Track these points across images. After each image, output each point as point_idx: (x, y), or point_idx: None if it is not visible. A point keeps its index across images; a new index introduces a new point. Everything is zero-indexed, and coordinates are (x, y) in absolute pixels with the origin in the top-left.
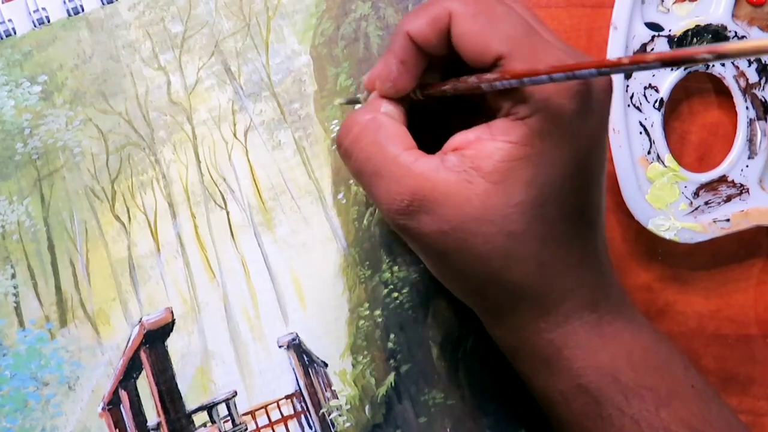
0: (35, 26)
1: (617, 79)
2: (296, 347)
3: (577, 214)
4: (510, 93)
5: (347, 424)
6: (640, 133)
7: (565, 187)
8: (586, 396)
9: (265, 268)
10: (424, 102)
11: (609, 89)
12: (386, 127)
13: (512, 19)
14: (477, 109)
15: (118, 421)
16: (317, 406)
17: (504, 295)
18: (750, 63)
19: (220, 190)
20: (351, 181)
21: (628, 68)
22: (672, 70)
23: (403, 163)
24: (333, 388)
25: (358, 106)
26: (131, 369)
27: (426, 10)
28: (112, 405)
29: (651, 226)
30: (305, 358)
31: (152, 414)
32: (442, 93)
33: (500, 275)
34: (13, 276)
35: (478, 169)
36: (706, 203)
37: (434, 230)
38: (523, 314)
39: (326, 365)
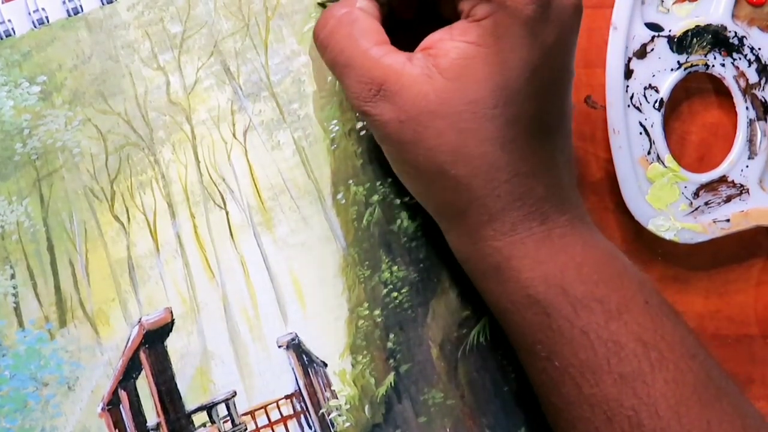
0: (34, 26)
1: (617, 78)
2: (296, 347)
3: (534, 121)
4: None
5: (347, 424)
6: (640, 133)
7: (520, 91)
8: (536, 307)
9: (265, 268)
10: (400, 7)
11: (576, 7)
12: (360, 22)
13: None
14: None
15: (117, 422)
16: (317, 406)
17: (452, 195)
18: (750, 63)
19: (219, 190)
20: (350, 181)
21: None
22: (672, 71)
23: (372, 56)
24: (332, 388)
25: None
26: (131, 369)
27: None
28: (112, 405)
29: (651, 227)
30: (305, 358)
31: (152, 414)
32: None
33: (448, 171)
34: (13, 276)
35: (437, 66)
36: (706, 203)
37: (393, 118)
38: (471, 219)
39: (326, 365)
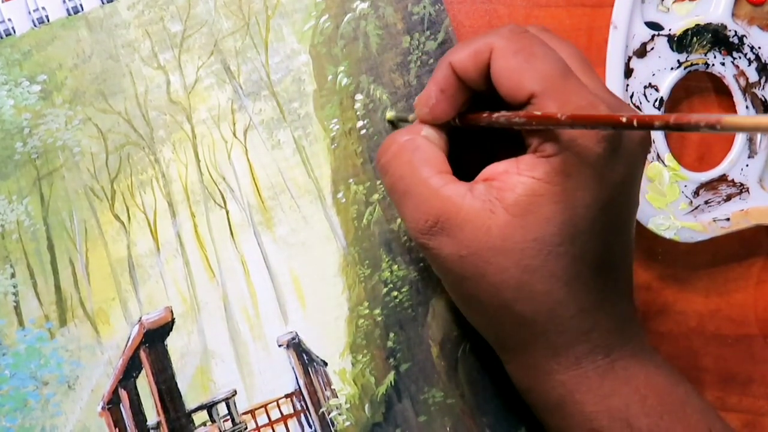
0: (34, 25)
1: (618, 77)
2: (296, 346)
3: (597, 258)
4: (539, 130)
5: (347, 423)
6: None
7: (585, 229)
8: None
9: (265, 267)
10: (467, 129)
11: (644, 142)
12: (422, 150)
13: (550, 59)
14: (518, 141)
15: (117, 421)
16: (317, 405)
17: (515, 330)
18: (750, 62)
19: (219, 190)
20: (350, 180)
21: (635, 128)
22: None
23: (432, 186)
24: (333, 387)
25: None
26: (131, 368)
27: (470, 43)
28: (112, 404)
29: (651, 226)
30: (305, 357)
31: (152, 413)
32: (477, 124)
33: (512, 308)
34: (13, 275)
35: (501, 200)
36: (706, 202)
37: (453, 253)
38: (534, 352)
39: (326, 364)
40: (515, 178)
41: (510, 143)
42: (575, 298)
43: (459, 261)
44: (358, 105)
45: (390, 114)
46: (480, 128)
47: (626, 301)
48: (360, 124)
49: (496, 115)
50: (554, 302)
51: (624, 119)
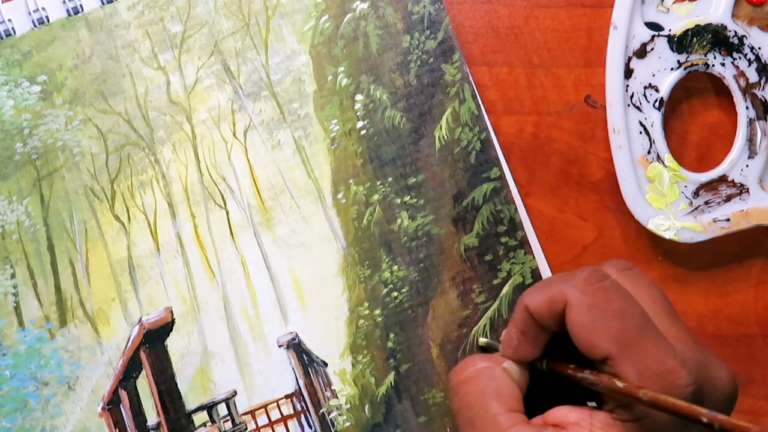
0: (35, 26)
1: (618, 77)
2: (296, 347)
3: None
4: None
5: (347, 424)
6: (640, 132)
7: None
8: None
9: (265, 267)
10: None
11: (726, 410)
12: (498, 382)
13: (626, 315)
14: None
15: (117, 421)
16: (317, 405)
17: None
18: (750, 63)
19: (219, 190)
20: (350, 181)
21: (713, 429)
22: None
23: (500, 425)
24: (333, 387)
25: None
26: (131, 369)
27: (546, 288)
28: (112, 405)
29: (651, 226)
30: (305, 358)
31: (152, 414)
32: (564, 375)
33: None
34: (13, 276)
35: None
36: (706, 203)
37: None
38: None
39: (326, 365)
40: None
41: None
42: None
43: None
44: (358, 105)
45: (483, 340)
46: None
47: None
48: (360, 124)
49: (580, 375)
50: None
51: (705, 419)
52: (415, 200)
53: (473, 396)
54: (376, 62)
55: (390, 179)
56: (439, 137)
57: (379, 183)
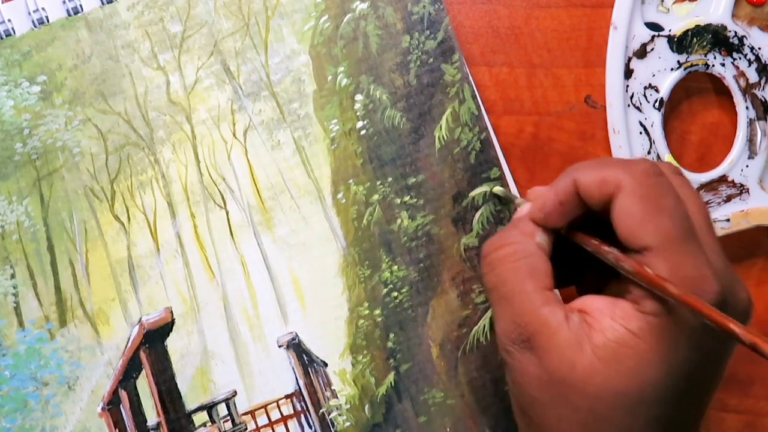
0: (34, 26)
1: (618, 77)
2: (296, 347)
3: (669, 422)
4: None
5: (347, 424)
6: (640, 133)
7: (666, 394)
8: None
9: (265, 267)
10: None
11: (747, 315)
12: (534, 260)
13: (675, 215)
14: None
15: (117, 421)
16: (317, 405)
17: None
18: (750, 63)
19: (219, 190)
20: (350, 181)
21: (738, 339)
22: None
23: (534, 301)
24: (333, 387)
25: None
26: (131, 369)
27: (601, 168)
28: (112, 405)
29: None
30: (305, 358)
31: (152, 414)
32: (584, 246)
33: None
34: (13, 276)
35: (590, 338)
36: (706, 203)
37: (534, 374)
38: None
39: (326, 365)
40: (608, 321)
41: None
42: None
43: (537, 383)
44: (357, 105)
45: (497, 188)
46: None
47: None
48: (360, 124)
49: (605, 248)
50: None
51: (735, 328)
52: (415, 200)
53: (507, 273)
54: (375, 62)
55: (390, 179)
56: (438, 137)
57: (378, 183)
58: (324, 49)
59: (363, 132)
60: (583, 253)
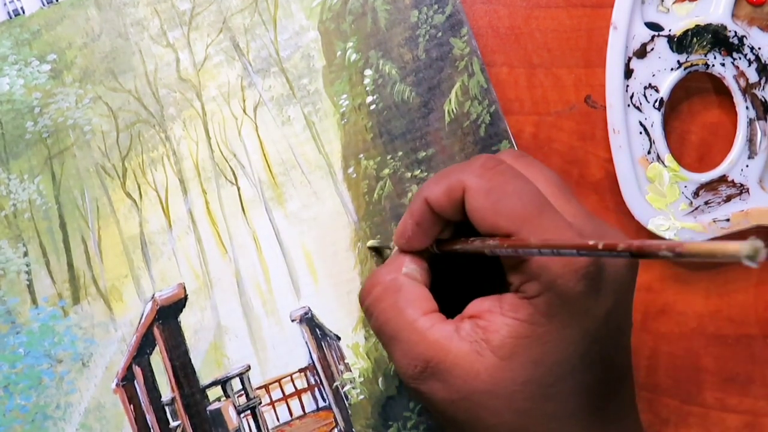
0: (44, 5)
1: (618, 77)
2: (309, 321)
3: (594, 389)
4: (520, 269)
5: (361, 397)
6: (640, 133)
7: (576, 365)
8: None
9: (277, 242)
10: (449, 255)
11: (632, 266)
12: (406, 290)
13: (524, 195)
14: (501, 268)
15: (132, 397)
16: (330, 379)
17: None
18: (750, 63)
19: (230, 166)
20: (361, 155)
21: (601, 253)
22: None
23: (419, 329)
24: (346, 361)
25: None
26: (144, 345)
27: (444, 179)
28: (126, 381)
29: (651, 226)
30: (318, 332)
31: (166, 389)
32: (455, 251)
33: None
34: (26, 254)
35: (487, 341)
36: (706, 203)
37: (445, 398)
38: None
39: (339, 338)
40: (499, 318)
41: (494, 270)
42: (578, 430)
43: (452, 405)
44: (367, 80)
45: (371, 242)
46: (459, 254)
47: (631, 418)
48: (369, 99)
49: (470, 240)
50: None
51: (591, 242)
52: (426, 174)
53: (388, 311)
54: (384, 37)
55: (400, 153)
56: (448, 111)
57: (389, 157)
58: (333, 25)
59: (373, 107)
60: (470, 262)
